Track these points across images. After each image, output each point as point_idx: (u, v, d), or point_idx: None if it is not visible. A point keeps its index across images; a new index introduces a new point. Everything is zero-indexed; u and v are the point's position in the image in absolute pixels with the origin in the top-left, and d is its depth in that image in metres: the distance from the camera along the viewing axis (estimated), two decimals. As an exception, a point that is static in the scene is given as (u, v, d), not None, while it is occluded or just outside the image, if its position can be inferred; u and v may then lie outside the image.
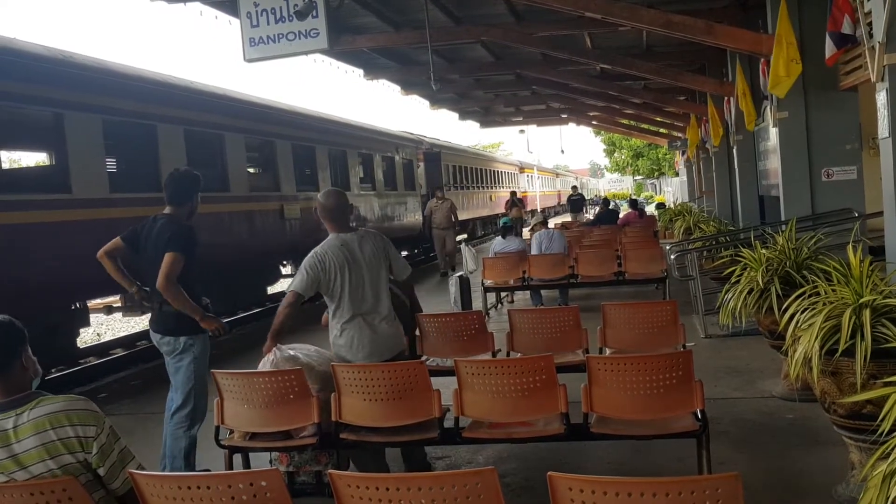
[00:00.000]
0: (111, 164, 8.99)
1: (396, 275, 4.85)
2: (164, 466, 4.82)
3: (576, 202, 29.07)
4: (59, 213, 8.04)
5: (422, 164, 21.78)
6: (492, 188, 32.27)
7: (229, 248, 10.99)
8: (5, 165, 9.82)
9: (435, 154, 23.36)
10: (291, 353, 4.49)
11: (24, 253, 7.54)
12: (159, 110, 9.82)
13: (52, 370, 9.13)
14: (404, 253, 17.98)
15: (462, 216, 26.00)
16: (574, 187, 31.79)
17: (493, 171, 33.94)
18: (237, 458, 4.47)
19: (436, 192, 18.30)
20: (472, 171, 29.06)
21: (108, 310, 10.40)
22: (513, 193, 27.45)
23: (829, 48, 6.39)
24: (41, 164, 10.99)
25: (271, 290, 14.82)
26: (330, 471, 2.66)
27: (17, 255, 7.46)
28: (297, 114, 14.21)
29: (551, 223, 15.03)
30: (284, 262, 14.42)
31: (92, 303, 9.39)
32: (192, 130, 10.46)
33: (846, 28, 6.07)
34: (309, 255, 4.56)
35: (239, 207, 11.58)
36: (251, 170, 12.62)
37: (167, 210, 4.96)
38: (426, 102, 20.24)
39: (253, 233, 12.03)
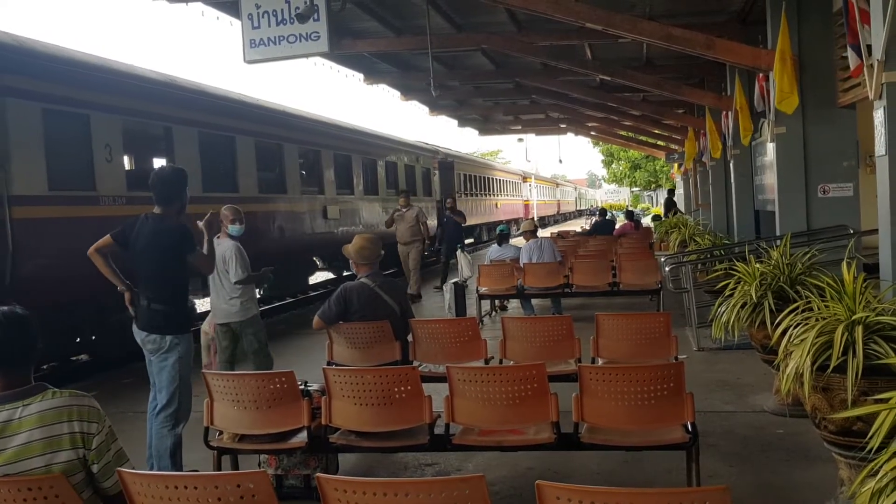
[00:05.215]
0: (203, 168, 10.67)
1: None
2: (150, 466, 4.81)
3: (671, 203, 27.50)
4: None
5: (437, 173, 23.37)
6: (497, 196, 33.78)
7: (286, 241, 12.88)
8: (132, 168, 11.35)
9: (449, 163, 24.96)
10: None
11: None
12: (237, 124, 11.78)
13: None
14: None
15: (470, 222, 26.90)
16: (670, 190, 29.93)
17: (500, 181, 35.39)
18: (225, 460, 4.46)
19: (402, 196, 14.61)
20: (482, 179, 30.62)
21: None
22: (449, 201, 17.01)
23: (853, 60, 6.38)
24: (155, 167, 12.19)
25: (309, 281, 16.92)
26: (318, 474, 2.65)
27: None
28: (338, 126, 16.16)
29: (547, 232, 15.04)
30: (323, 257, 16.22)
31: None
32: (260, 141, 12.39)
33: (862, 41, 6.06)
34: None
35: (293, 207, 13.42)
36: (302, 174, 14.30)
37: (157, 210, 4.94)
38: (425, 108, 20.26)
39: (303, 228, 13.80)
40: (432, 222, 15.32)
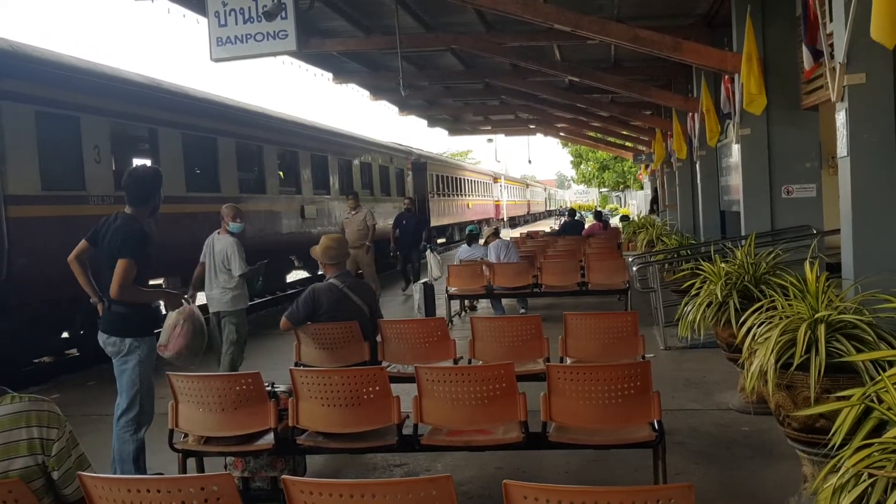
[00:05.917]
0: (186, 168, 11.13)
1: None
2: (114, 471, 4.72)
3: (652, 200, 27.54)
4: None
5: (410, 173, 23.90)
6: (469, 196, 34.29)
7: (266, 240, 13.31)
8: (119, 169, 11.25)
9: (422, 164, 25.40)
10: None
11: None
12: (219, 126, 12.15)
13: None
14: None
15: (443, 221, 27.66)
16: (656, 189, 29.41)
17: (471, 181, 35.91)
18: (191, 462, 4.40)
19: (349, 197, 14.01)
20: (454, 180, 31.09)
21: None
22: (406, 201, 17.22)
23: (808, 61, 6.47)
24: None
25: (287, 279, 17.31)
26: (284, 476, 2.62)
27: None
28: (315, 128, 16.66)
29: (516, 232, 15.09)
30: (300, 256, 16.25)
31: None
32: (241, 143, 12.82)
33: (821, 43, 6.17)
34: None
35: (272, 207, 13.96)
36: (281, 174, 14.79)
37: (128, 210, 4.85)
38: (395, 108, 20.21)
39: (282, 227, 14.33)
40: (381, 224, 15.41)
